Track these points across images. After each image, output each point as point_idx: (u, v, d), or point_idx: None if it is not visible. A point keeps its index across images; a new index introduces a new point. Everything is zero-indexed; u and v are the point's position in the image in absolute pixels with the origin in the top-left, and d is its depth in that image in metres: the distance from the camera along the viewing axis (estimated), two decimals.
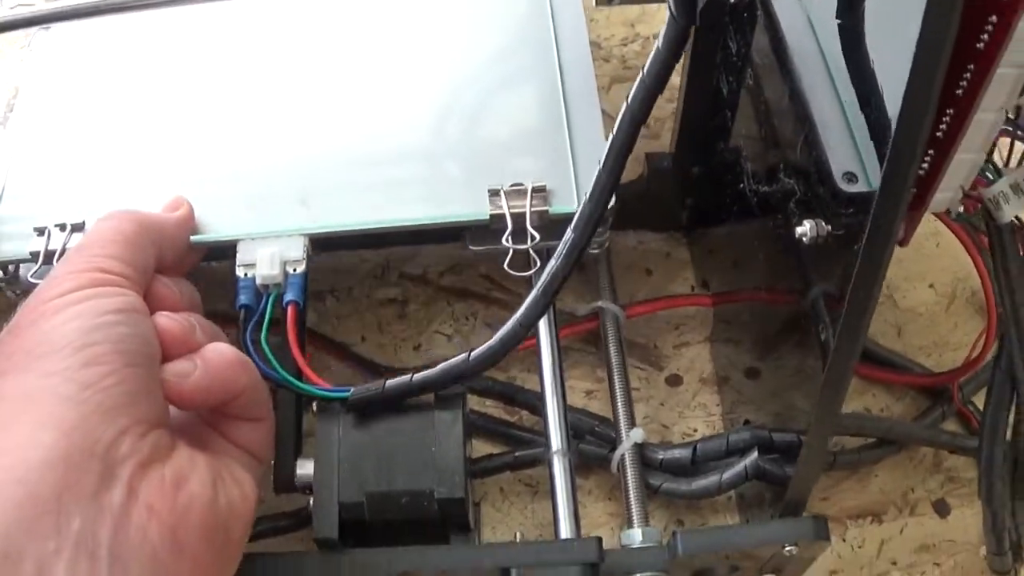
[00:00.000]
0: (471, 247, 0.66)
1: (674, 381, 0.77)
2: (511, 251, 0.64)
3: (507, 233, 0.64)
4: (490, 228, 0.65)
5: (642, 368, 0.77)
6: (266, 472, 0.61)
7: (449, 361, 0.59)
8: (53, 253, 0.63)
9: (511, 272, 0.63)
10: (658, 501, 0.71)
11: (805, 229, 0.50)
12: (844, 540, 0.72)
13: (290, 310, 0.62)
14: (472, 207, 0.66)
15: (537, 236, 0.64)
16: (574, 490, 0.63)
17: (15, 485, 0.44)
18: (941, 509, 0.73)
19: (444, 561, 0.58)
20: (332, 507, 0.59)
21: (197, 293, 0.61)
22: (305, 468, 0.61)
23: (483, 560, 0.58)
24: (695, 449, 0.68)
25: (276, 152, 0.70)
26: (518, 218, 0.64)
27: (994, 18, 0.38)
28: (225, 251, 0.65)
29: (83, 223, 0.65)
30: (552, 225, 0.64)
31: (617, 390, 0.71)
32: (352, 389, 0.60)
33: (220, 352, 0.55)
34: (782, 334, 0.62)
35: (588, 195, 0.56)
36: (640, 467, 0.67)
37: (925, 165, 0.45)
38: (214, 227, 0.66)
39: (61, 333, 0.49)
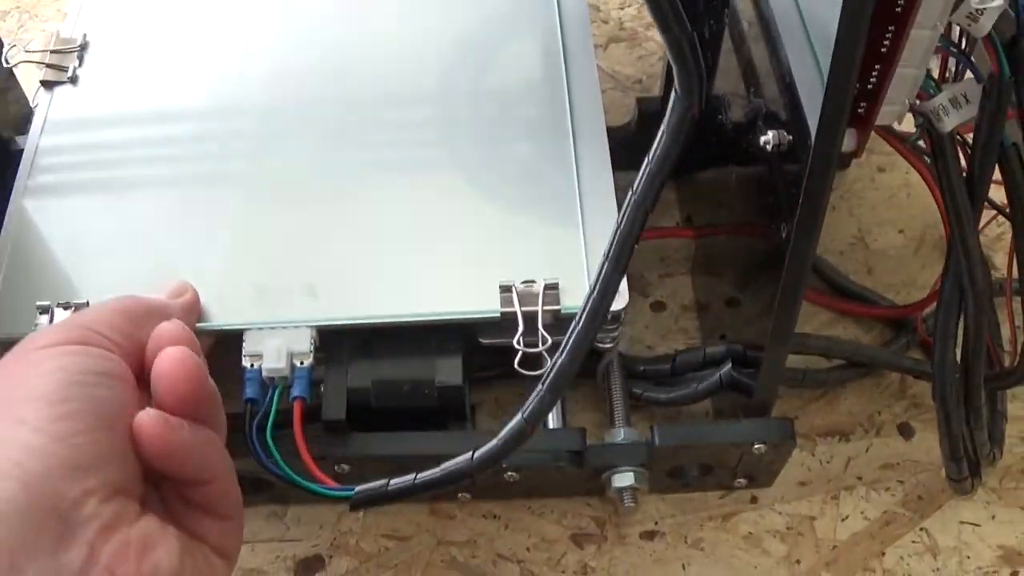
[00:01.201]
0: (482, 340, 0.66)
1: (658, 307, 0.83)
2: (522, 351, 0.63)
3: (519, 334, 0.63)
4: (501, 325, 0.65)
5: (629, 294, 0.82)
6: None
7: (453, 461, 0.59)
8: None
9: (521, 371, 0.62)
10: (640, 412, 0.76)
11: (768, 137, 0.55)
12: (813, 455, 0.77)
13: (296, 406, 0.62)
14: (483, 303, 0.65)
15: (549, 339, 0.62)
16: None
17: None
18: (905, 431, 0.78)
19: (441, 445, 0.63)
20: (339, 393, 0.63)
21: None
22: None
23: (477, 445, 0.59)
24: (675, 360, 0.73)
25: (285, 240, 0.70)
26: (530, 316, 0.64)
27: None
28: (231, 341, 0.64)
29: (87, 302, 0.65)
30: (566, 322, 0.57)
31: None
32: (357, 488, 0.60)
33: (199, 438, 0.52)
34: (761, 267, 0.65)
35: (594, 288, 0.54)
36: (623, 374, 0.73)
37: (874, 79, 0.50)
38: (221, 315, 0.65)
39: (40, 383, 0.48)
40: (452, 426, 0.66)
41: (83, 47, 0.82)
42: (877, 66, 0.49)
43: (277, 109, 0.77)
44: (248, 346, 0.63)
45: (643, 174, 0.51)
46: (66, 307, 0.64)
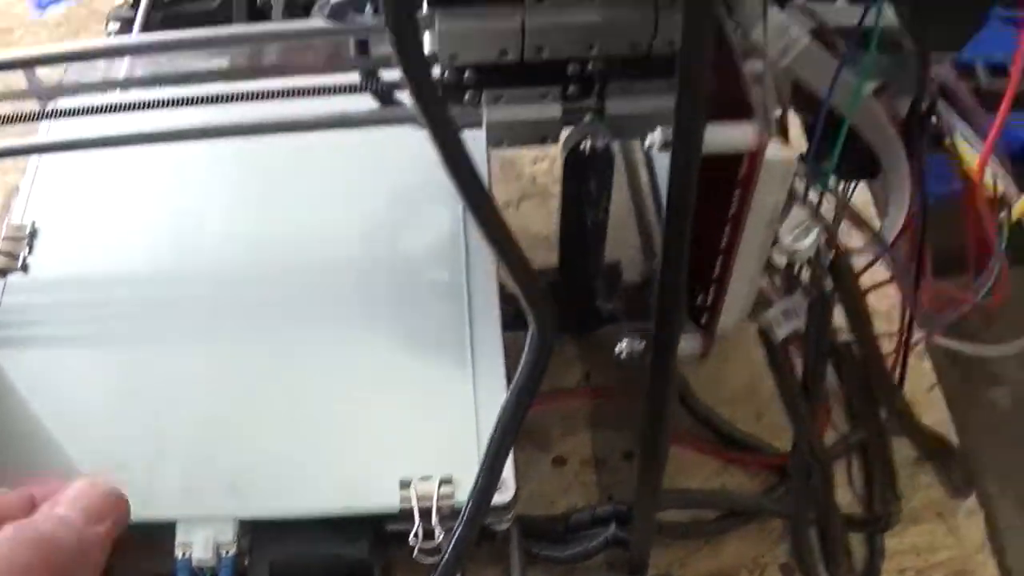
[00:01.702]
0: (389, 527, 0.73)
1: (559, 462, 0.91)
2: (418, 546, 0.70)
3: (416, 528, 0.70)
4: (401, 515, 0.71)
5: (532, 451, 0.91)
6: None
7: None
8: None
9: (420, 560, 0.69)
10: (539, 567, 0.83)
11: (623, 346, 0.64)
12: None
13: None
14: (385, 499, 0.71)
15: (441, 535, 0.69)
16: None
17: None
18: (787, 572, 0.85)
19: None
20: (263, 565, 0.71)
21: None
22: None
23: None
24: (568, 520, 0.82)
25: (210, 436, 0.75)
26: (426, 510, 0.70)
27: (738, 191, 0.53)
28: (160, 532, 0.69)
29: None
30: (454, 514, 0.68)
31: None
32: None
33: None
34: None
35: (472, 494, 0.64)
36: (520, 536, 0.81)
37: (712, 295, 0.59)
38: (154, 507, 0.70)
39: None
40: None
41: (32, 234, 0.89)
42: (712, 286, 0.59)
43: (197, 303, 0.84)
44: (180, 536, 0.70)
45: (506, 404, 0.60)
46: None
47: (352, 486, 0.73)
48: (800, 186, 0.56)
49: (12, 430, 0.76)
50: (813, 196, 0.57)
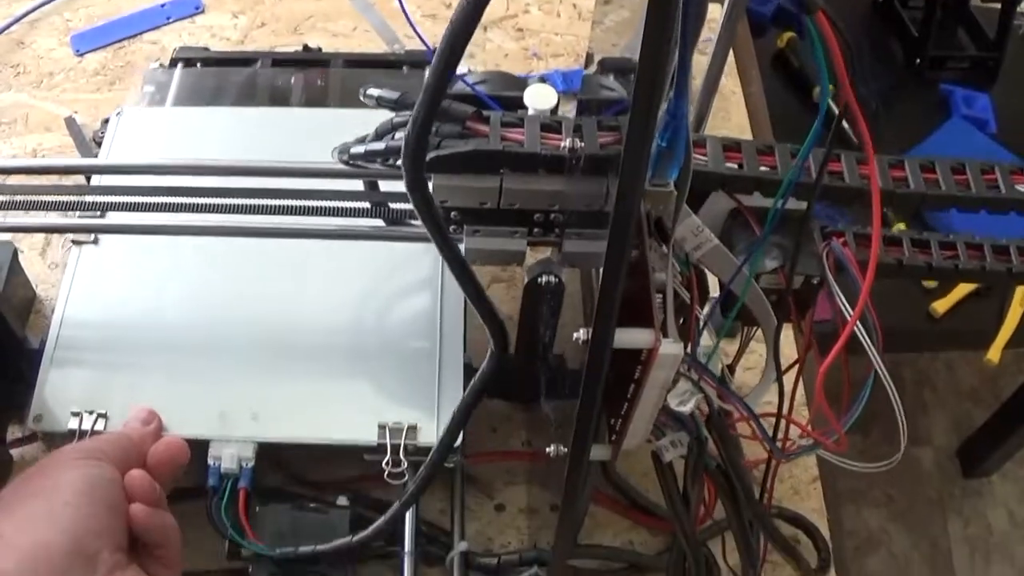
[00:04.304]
0: (366, 457, 0.99)
1: (499, 508, 1.09)
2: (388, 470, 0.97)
3: (387, 458, 0.97)
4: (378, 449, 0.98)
5: (479, 496, 1.09)
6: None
7: (338, 541, 0.95)
8: (85, 432, 0.95)
9: (390, 482, 0.97)
10: None
11: (551, 449, 0.82)
12: None
13: (242, 493, 0.95)
14: (366, 435, 0.98)
15: (405, 464, 0.97)
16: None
17: (43, 565, 0.71)
18: None
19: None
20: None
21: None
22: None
23: None
24: (499, 560, 1.01)
25: (242, 380, 1.01)
26: (396, 447, 0.97)
27: (640, 367, 0.71)
28: (197, 448, 0.92)
29: (105, 412, 0.96)
30: (420, 450, 0.97)
31: (455, 513, 1.05)
32: (277, 550, 0.94)
33: (165, 519, 0.81)
34: None
35: (445, 433, 0.90)
36: (463, 567, 1.01)
37: (619, 423, 0.78)
38: (197, 429, 0.95)
39: (73, 481, 0.77)
40: None
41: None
42: (620, 419, 0.78)
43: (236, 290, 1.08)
44: (212, 450, 0.95)
45: (467, 394, 0.87)
46: (90, 413, 0.96)
47: (344, 424, 0.99)
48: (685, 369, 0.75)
49: (104, 371, 1.01)
50: (695, 375, 0.76)
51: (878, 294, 1.66)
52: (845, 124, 0.68)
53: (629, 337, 0.67)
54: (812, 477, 1.13)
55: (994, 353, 1.88)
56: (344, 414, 0.99)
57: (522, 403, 1.13)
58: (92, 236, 1.08)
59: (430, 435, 0.97)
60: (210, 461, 0.95)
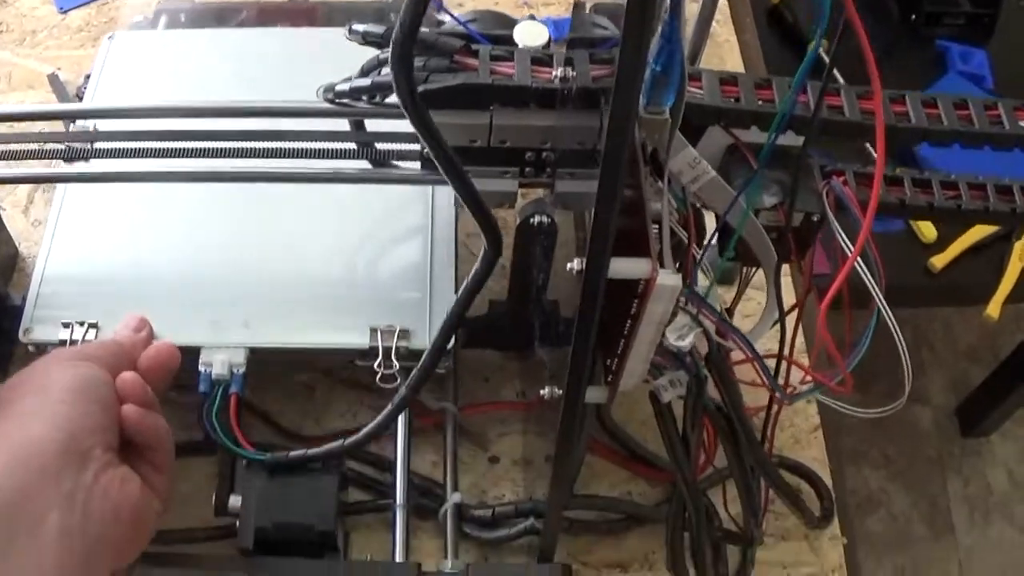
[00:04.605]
0: (357, 362, 0.97)
1: (494, 460, 1.07)
2: (380, 372, 0.95)
3: (378, 361, 0.95)
4: (369, 352, 0.96)
5: (473, 449, 1.07)
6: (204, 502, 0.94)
7: (329, 445, 0.91)
8: (76, 342, 0.93)
9: (381, 385, 0.95)
10: (471, 542, 1.00)
11: (545, 392, 0.80)
12: None
13: (233, 399, 0.93)
14: (359, 339, 0.96)
15: (397, 366, 0.95)
16: (408, 531, 0.95)
17: (35, 460, 0.72)
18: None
19: (316, 571, 0.89)
20: (250, 528, 0.89)
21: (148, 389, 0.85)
22: (235, 501, 0.91)
23: (341, 572, 0.89)
24: (494, 511, 0.99)
25: (234, 289, 1.00)
26: (387, 351, 0.95)
27: (637, 300, 0.69)
28: (188, 354, 0.92)
29: (96, 323, 0.95)
30: (413, 354, 0.94)
31: (448, 465, 1.02)
32: (269, 455, 0.91)
33: (157, 420, 0.83)
34: None
35: (438, 334, 0.86)
36: (457, 519, 0.99)
37: (616, 363, 0.76)
38: (189, 336, 0.94)
39: (65, 379, 0.78)
40: (327, 554, 0.92)
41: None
42: (616, 358, 0.75)
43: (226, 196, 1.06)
44: (204, 357, 0.94)
45: (463, 289, 0.83)
46: (80, 324, 0.95)
47: (334, 329, 0.98)
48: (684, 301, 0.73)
49: (94, 281, 1.01)
50: (693, 308, 0.73)
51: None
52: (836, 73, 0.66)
53: (625, 267, 0.65)
54: (813, 426, 1.12)
55: (993, 308, 1.86)
56: (336, 320, 0.99)
57: (516, 351, 1.11)
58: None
59: (423, 339, 0.96)
60: (201, 368, 0.94)
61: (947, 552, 2.47)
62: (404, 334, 0.96)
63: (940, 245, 1.84)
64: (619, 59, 0.51)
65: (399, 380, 0.93)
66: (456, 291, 0.88)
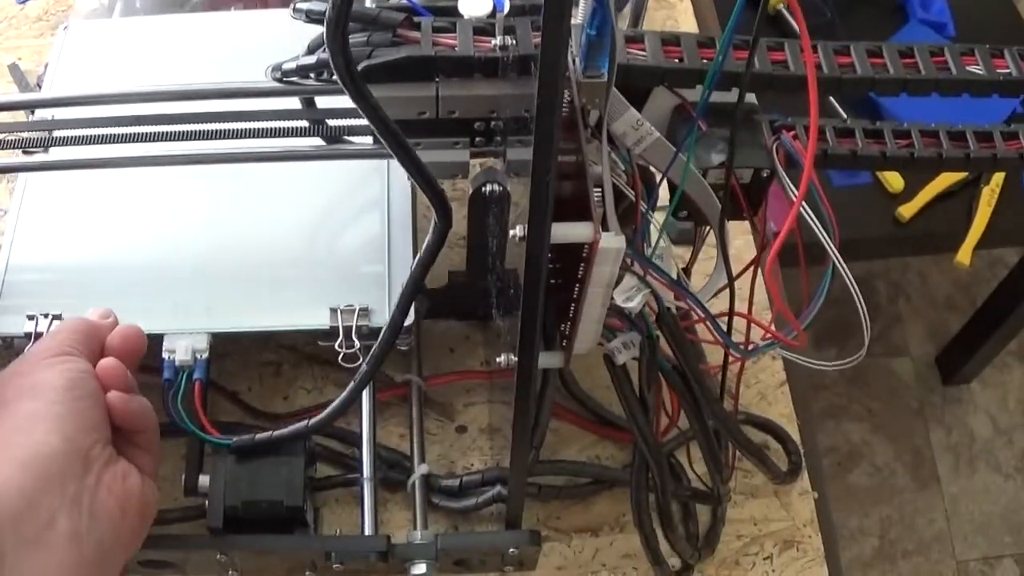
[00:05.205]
0: (320, 343, 0.97)
1: (461, 430, 1.08)
2: (343, 352, 0.95)
3: (339, 340, 0.95)
4: (331, 332, 0.96)
5: (439, 420, 1.07)
6: (174, 484, 0.94)
7: (294, 426, 0.90)
8: (41, 335, 0.92)
9: (343, 364, 0.95)
10: (440, 512, 1.01)
11: (501, 359, 0.80)
12: (569, 547, 1.02)
13: (197, 385, 0.93)
14: (318, 319, 0.97)
15: (358, 344, 0.95)
16: (376, 503, 0.96)
17: (38, 466, 0.72)
18: None
19: (285, 546, 0.90)
20: (219, 507, 0.89)
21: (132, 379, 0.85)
22: (204, 481, 0.91)
23: (311, 546, 0.90)
24: (461, 480, 1.00)
25: (194, 275, 1.00)
26: (348, 330, 0.95)
27: (582, 264, 0.70)
28: (152, 342, 0.91)
29: (60, 315, 0.94)
30: (373, 333, 0.94)
31: (414, 436, 1.03)
32: (234, 439, 0.90)
33: (141, 403, 0.83)
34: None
35: (394, 310, 0.85)
36: (425, 490, 0.99)
37: (568, 327, 0.76)
38: (151, 323, 0.91)
39: (55, 379, 0.78)
40: (296, 530, 0.92)
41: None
42: (568, 322, 0.76)
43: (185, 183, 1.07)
44: (167, 344, 0.94)
45: (417, 261, 0.81)
46: (45, 316, 0.95)
47: (295, 311, 0.98)
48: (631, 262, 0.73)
49: (58, 272, 1.02)
50: (640, 270, 0.74)
51: (843, 204, 1.66)
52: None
53: (566, 231, 0.65)
54: (779, 381, 1.12)
55: (963, 255, 1.87)
56: (296, 301, 0.99)
57: (478, 320, 1.12)
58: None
59: (382, 317, 0.97)
60: (164, 354, 0.94)
61: (933, 501, 2.49)
62: (364, 312, 0.97)
63: (907, 195, 1.85)
64: (543, 19, 0.52)
65: (361, 359, 0.92)
66: None
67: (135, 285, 0.99)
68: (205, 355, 0.94)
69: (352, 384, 0.89)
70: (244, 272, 1.01)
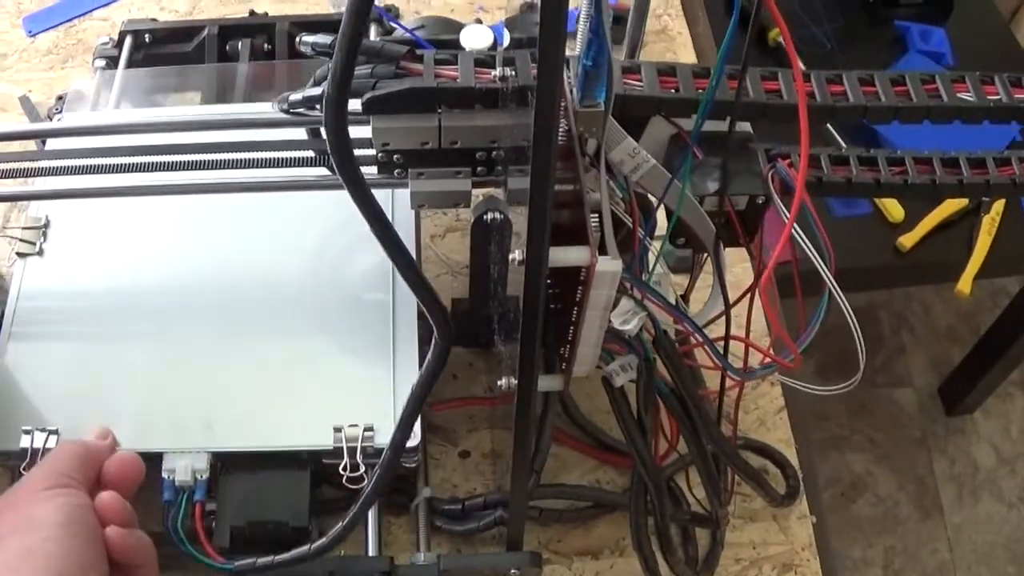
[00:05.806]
0: (324, 461, 0.95)
1: (464, 455, 1.09)
2: (347, 475, 0.92)
3: (343, 463, 0.92)
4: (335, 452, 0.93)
5: (443, 445, 1.09)
6: None
7: (296, 550, 0.89)
8: (37, 451, 0.91)
9: (348, 487, 0.92)
10: (443, 535, 1.02)
11: (502, 383, 0.82)
12: (570, 570, 1.03)
13: (198, 508, 0.92)
14: (322, 439, 0.94)
15: (363, 468, 0.92)
16: (380, 525, 0.98)
17: None
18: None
19: (290, 566, 0.90)
20: (226, 527, 0.92)
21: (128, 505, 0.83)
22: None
23: (316, 567, 0.91)
24: (463, 504, 1.01)
25: (191, 393, 0.98)
26: (352, 449, 0.93)
27: (581, 287, 0.71)
28: (151, 461, 0.89)
29: (56, 429, 0.92)
30: (377, 452, 0.93)
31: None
32: (235, 564, 0.90)
33: (140, 537, 0.81)
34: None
35: (396, 431, 0.83)
36: (428, 513, 1.01)
37: (567, 350, 0.78)
38: (148, 442, 0.92)
39: (50, 514, 0.76)
40: None
41: (46, 225, 1.08)
42: (567, 345, 0.77)
43: (184, 297, 1.05)
44: (166, 463, 0.92)
45: (414, 389, 0.80)
46: (41, 431, 0.93)
47: (298, 430, 0.96)
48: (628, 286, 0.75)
49: (52, 388, 0.99)
50: (637, 293, 0.75)
51: (843, 234, 1.67)
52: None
53: (564, 255, 0.67)
54: (778, 407, 1.13)
55: (964, 285, 1.88)
56: (299, 419, 0.97)
57: (481, 347, 1.13)
58: (37, 247, 1.07)
59: (387, 435, 0.89)
60: (164, 474, 0.92)
61: (936, 531, 2.50)
62: (369, 433, 0.95)
63: (908, 225, 1.86)
64: (539, 46, 0.53)
65: (367, 480, 0.91)
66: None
67: (133, 400, 0.98)
68: (205, 475, 0.93)
69: (355, 508, 0.87)
70: (245, 384, 1.00)
